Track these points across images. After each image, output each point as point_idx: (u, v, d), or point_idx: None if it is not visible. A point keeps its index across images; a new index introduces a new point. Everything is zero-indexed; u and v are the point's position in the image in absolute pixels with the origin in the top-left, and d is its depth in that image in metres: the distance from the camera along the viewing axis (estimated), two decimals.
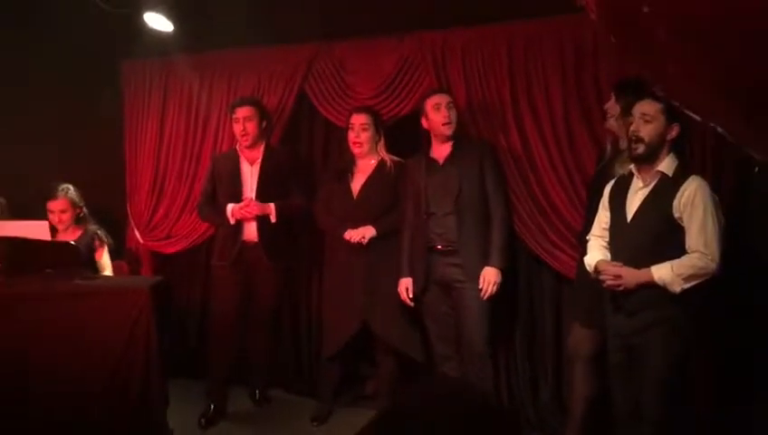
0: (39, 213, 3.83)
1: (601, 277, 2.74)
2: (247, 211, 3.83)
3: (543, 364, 3.84)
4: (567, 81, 3.62)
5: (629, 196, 2.76)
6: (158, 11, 4.02)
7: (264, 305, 4.04)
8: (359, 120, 3.78)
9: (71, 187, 3.94)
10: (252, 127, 3.89)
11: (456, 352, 3.61)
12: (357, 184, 3.82)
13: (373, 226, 3.69)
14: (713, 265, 2.54)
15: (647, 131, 2.66)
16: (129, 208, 4.77)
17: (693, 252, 2.56)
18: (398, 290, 3.59)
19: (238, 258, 3.90)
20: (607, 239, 2.87)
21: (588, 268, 2.86)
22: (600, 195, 2.99)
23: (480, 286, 3.41)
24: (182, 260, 4.65)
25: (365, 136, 3.77)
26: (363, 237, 3.66)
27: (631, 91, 3.03)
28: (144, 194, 4.69)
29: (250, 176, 3.95)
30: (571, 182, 3.60)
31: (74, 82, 4.50)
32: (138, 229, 4.70)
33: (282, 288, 4.13)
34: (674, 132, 2.66)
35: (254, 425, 3.91)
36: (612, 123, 3.17)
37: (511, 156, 3.72)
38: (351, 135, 3.79)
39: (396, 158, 3.83)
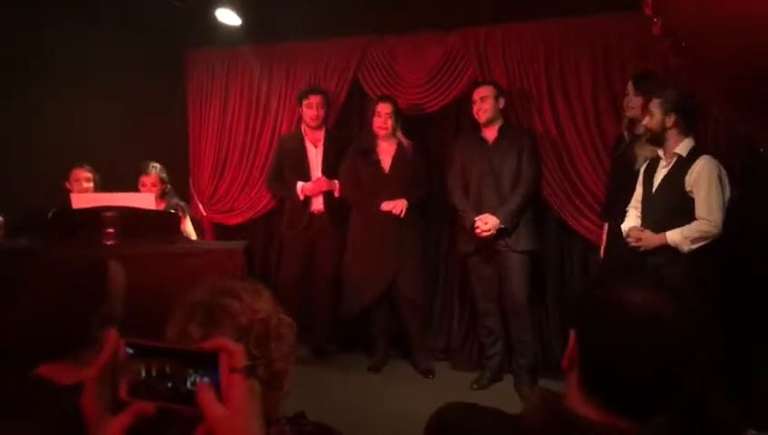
0: (113, 188, 4.29)
1: (628, 240, 3.33)
2: (318, 187, 4.46)
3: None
4: (597, 71, 4.17)
5: (656, 174, 3.34)
6: (226, 6, 4.53)
7: (327, 267, 4.62)
8: (385, 108, 4.32)
9: (158, 165, 4.45)
10: (322, 112, 4.52)
11: (497, 308, 4.19)
12: (386, 162, 4.38)
13: (405, 198, 4.27)
14: (715, 230, 3.08)
15: (648, 123, 3.29)
16: (191, 184, 5.29)
17: (699, 219, 3.10)
18: (476, 226, 3.97)
19: (307, 226, 4.51)
20: (640, 210, 3.44)
21: (624, 233, 3.42)
22: (619, 176, 3.66)
23: (476, 225, 3.96)
24: (244, 231, 5.17)
25: (390, 122, 4.32)
26: (401, 210, 4.25)
27: (649, 83, 3.62)
28: (207, 172, 5.22)
29: (315, 157, 4.56)
30: (599, 158, 4.16)
31: (141, 69, 4.94)
32: (201, 203, 5.23)
33: (341, 252, 4.66)
34: (671, 120, 3.21)
35: (313, 373, 4.39)
36: (636, 113, 3.70)
37: (546, 137, 4.27)
38: (379, 121, 4.32)
39: (409, 141, 4.40)
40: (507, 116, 4.22)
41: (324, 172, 4.53)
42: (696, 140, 3.28)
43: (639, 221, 3.37)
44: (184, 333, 1.24)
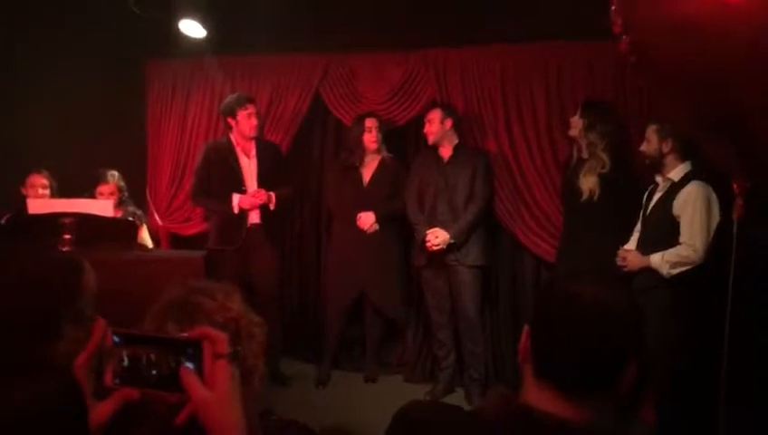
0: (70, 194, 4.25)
1: (616, 259, 3.44)
2: (258, 201, 4.30)
3: None
4: (550, 95, 4.33)
5: (652, 198, 3.45)
6: (191, 17, 4.53)
7: (268, 285, 4.42)
8: (374, 123, 4.45)
9: (116, 173, 4.43)
10: (259, 121, 4.46)
11: (449, 321, 4.31)
12: (366, 176, 4.50)
13: (375, 211, 4.40)
14: (694, 256, 3.10)
15: (646, 148, 3.42)
16: (148, 194, 5.27)
17: (681, 244, 3.16)
18: (427, 239, 4.11)
19: (243, 242, 4.34)
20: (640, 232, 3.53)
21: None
22: (565, 205, 3.94)
23: (428, 239, 4.10)
24: (198, 242, 5.13)
25: (379, 136, 4.46)
26: (370, 224, 4.38)
27: (594, 110, 3.80)
28: (165, 182, 5.19)
29: (249, 168, 4.41)
30: (551, 178, 4.31)
31: (102, 77, 4.90)
32: (157, 213, 5.20)
33: (280, 266, 4.66)
34: (668, 146, 3.33)
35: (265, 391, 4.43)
36: (575, 133, 3.89)
37: (501, 157, 4.41)
38: (370, 136, 4.43)
39: (391, 155, 4.55)
40: (463, 135, 4.37)
41: (261, 184, 4.38)
42: (699, 164, 3.29)
43: (635, 245, 3.47)
44: (160, 330, 1.29)
